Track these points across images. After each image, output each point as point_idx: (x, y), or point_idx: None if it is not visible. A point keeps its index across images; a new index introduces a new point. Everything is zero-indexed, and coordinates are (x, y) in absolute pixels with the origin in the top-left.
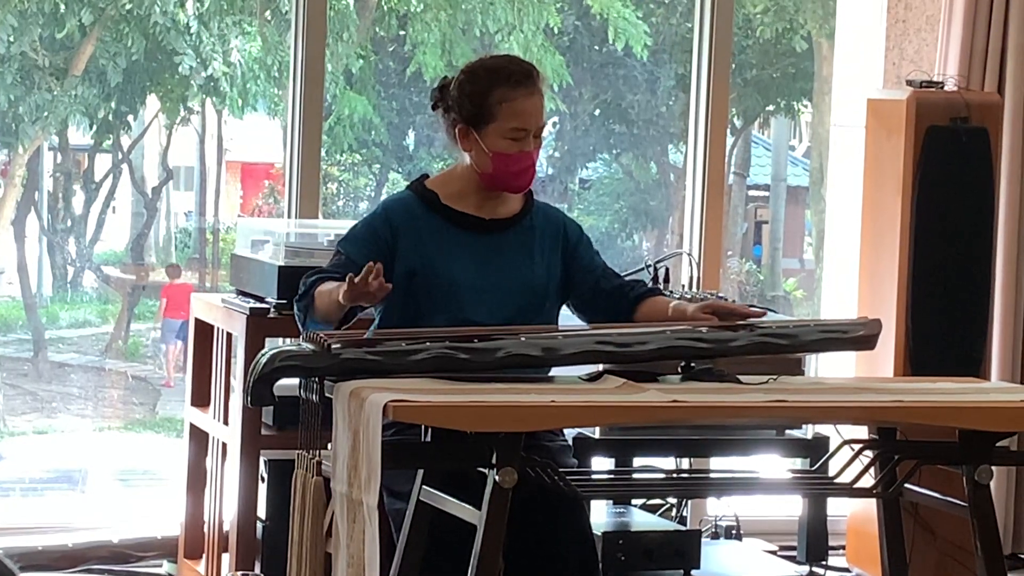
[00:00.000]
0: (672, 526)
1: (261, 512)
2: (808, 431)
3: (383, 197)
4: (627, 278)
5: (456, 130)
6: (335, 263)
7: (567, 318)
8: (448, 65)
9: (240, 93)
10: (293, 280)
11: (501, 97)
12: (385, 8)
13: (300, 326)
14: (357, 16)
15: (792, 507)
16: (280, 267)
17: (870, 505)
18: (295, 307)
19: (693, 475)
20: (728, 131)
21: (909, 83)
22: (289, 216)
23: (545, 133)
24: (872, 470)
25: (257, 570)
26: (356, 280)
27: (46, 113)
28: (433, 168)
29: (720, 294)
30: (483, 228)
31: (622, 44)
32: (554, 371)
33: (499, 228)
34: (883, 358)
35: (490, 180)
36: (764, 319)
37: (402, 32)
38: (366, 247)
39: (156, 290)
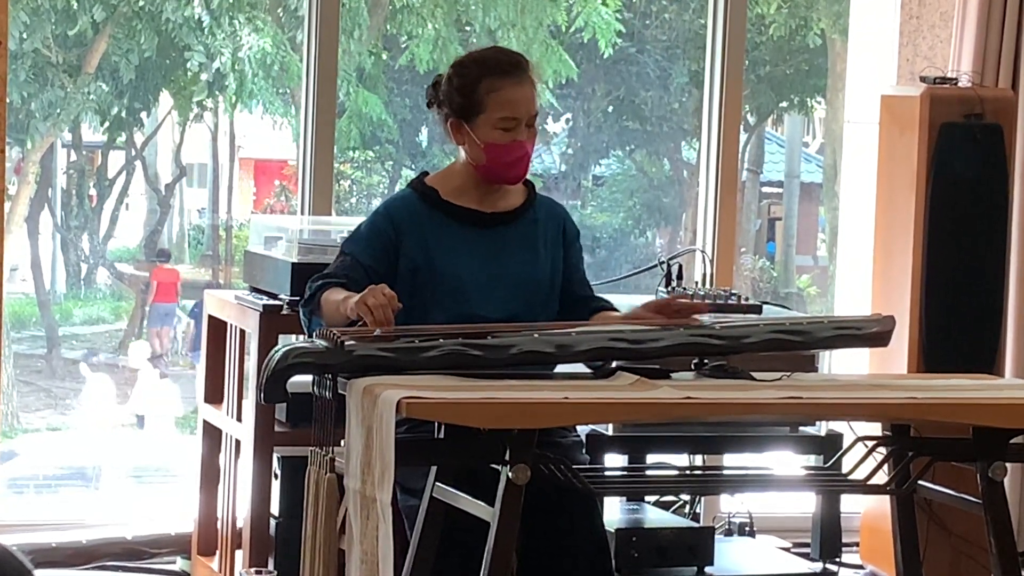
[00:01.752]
0: (685, 523)
1: (274, 509)
2: (822, 428)
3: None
4: (595, 292)
5: (449, 124)
6: (340, 264)
7: None
8: (440, 61)
9: (252, 90)
10: (306, 277)
11: (489, 87)
12: (397, 5)
13: (305, 331)
14: (368, 14)
15: (805, 504)
16: (293, 264)
17: (884, 502)
18: (300, 312)
19: (706, 472)
20: (741, 128)
21: (923, 79)
22: (302, 213)
23: (558, 130)
24: (886, 467)
25: (270, 567)
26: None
27: (59, 110)
28: (446, 165)
29: (733, 291)
30: (485, 222)
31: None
32: (564, 367)
33: (501, 222)
34: (897, 355)
35: (485, 172)
36: (718, 317)
37: (407, 28)
38: (371, 247)
39: None
